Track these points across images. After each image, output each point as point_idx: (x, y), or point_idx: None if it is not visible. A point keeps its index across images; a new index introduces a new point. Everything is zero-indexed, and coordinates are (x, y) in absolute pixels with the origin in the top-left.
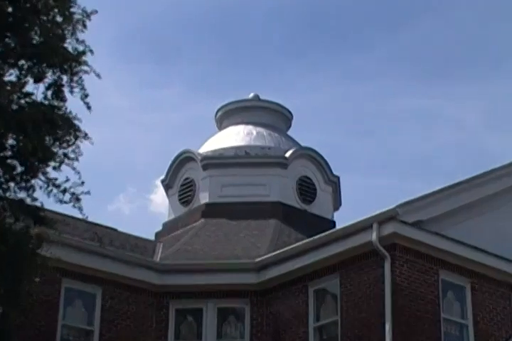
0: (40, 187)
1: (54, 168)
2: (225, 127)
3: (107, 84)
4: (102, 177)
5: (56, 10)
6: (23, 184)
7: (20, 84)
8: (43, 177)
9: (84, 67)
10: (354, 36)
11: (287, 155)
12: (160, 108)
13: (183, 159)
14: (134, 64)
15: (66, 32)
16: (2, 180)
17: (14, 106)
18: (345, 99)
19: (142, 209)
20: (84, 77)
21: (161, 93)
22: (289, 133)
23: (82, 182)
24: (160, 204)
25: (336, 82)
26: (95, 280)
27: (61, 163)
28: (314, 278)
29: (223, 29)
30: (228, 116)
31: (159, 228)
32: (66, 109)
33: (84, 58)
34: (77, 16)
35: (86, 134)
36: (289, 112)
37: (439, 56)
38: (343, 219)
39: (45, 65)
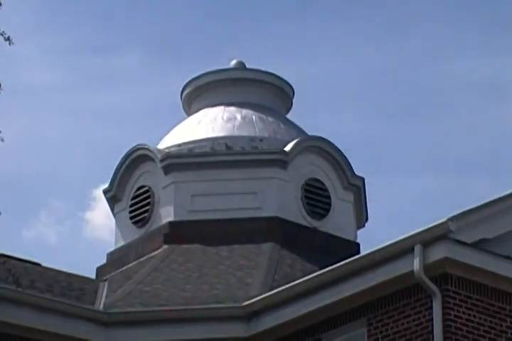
0: None
1: None
2: (195, 111)
3: (25, 50)
4: (12, 188)
5: None
6: None
7: None
8: None
9: None
10: None
11: (288, 148)
12: (102, 84)
13: (136, 159)
14: (68, 20)
15: None
16: None
17: None
18: (372, 66)
19: (75, 233)
20: None
21: (103, 63)
22: (290, 116)
23: None
24: (101, 225)
25: (359, 41)
26: (9, 340)
27: None
28: (330, 328)
29: None
30: (200, 94)
31: (102, 261)
32: None
33: None
34: None
35: None
36: (290, 86)
37: None
38: (370, 241)
39: None
